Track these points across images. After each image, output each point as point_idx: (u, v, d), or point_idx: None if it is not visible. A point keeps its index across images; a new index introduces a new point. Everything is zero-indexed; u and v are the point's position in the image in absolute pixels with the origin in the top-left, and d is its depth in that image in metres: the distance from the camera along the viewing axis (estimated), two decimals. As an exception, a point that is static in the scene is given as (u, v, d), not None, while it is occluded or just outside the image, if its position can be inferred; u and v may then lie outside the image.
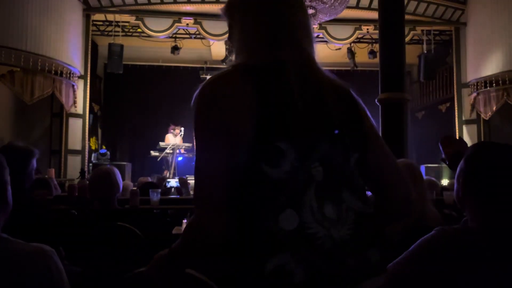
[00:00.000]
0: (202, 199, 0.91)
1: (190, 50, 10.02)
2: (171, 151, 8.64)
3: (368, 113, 1.08)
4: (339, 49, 10.01)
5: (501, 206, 1.27)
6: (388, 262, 1.04)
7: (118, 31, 8.99)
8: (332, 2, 6.40)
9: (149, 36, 9.18)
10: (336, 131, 0.97)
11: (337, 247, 0.90)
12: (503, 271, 1.22)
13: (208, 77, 1.04)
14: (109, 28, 9.28)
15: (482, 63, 8.41)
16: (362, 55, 9.88)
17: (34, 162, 2.47)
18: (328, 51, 10.22)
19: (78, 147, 8.50)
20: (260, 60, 0.98)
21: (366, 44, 10.04)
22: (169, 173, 8.63)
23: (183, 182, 5.81)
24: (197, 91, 0.95)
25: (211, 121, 0.92)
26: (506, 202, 1.27)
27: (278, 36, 1.01)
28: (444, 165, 3.72)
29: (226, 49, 9.84)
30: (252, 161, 0.90)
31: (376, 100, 4.52)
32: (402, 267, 1.32)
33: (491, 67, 8.18)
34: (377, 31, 6.52)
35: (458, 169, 1.37)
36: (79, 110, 8.47)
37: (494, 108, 8.29)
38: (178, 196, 5.27)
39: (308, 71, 1.00)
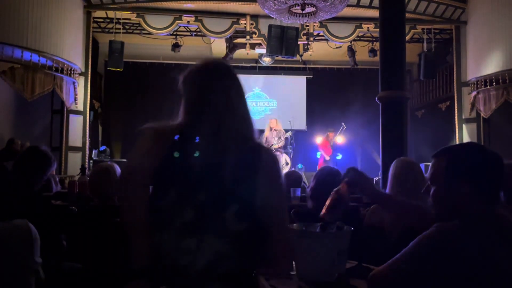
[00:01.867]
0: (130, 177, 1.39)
1: (191, 47, 10.00)
2: (171, 149, 8.63)
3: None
4: (340, 47, 10.01)
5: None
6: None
7: (119, 28, 8.98)
8: (332, 0, 6.40)
9: (150, 33, 9.17)
10: (217, 182, 1.33)
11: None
12: (503, 266, 1.23)
13: None
14: (110, 25, 9.26)
15: (482, 62, 8.41)
16: (363, 54, 9.88)
17: (51, 169, 2.51)
18: (328, 50, 10.24)
19: (78, 144, 8.51)
20: (181, 126, 1.47)
21: (366, 43, 10.02)
22: (169, 171, 8.62)
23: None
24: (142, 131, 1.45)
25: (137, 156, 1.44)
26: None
27: (194, 110, 1.50)
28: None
29: (227, 46, 9.85)
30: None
31: (376, 98, 4.53)
32: (402, 263, 1.34)
33: (491, 65, 8.17)
34: (377, 30, 6.52)
35: (439, 169, 1.40)
36: (80, 107, 8.47)
37: (494, 107, 8.28)
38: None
39: (208, 137, 1.40)
